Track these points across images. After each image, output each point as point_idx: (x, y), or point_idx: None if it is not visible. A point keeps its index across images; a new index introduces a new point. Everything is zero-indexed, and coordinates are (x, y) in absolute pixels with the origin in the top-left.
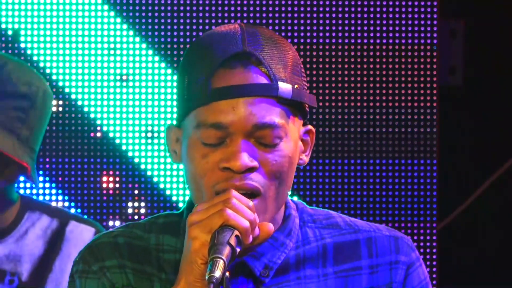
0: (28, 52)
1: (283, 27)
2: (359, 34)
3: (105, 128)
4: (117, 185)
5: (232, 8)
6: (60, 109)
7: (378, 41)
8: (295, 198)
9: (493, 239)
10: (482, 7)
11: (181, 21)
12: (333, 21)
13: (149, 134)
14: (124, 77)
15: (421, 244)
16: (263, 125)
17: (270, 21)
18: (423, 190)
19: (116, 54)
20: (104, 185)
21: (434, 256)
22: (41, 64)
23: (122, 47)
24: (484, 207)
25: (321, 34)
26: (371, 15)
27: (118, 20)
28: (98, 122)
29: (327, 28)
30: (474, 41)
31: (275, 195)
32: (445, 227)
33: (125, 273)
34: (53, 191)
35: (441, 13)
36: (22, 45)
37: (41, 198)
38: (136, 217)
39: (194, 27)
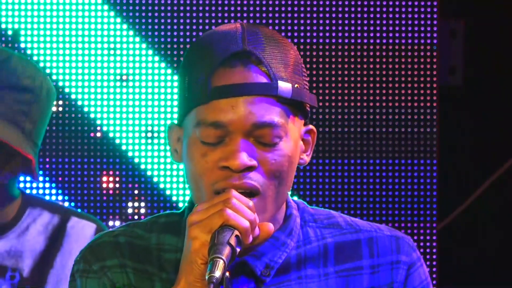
0: (28, 52)
1: (283, 27)
2: (359, 34)
3: (105, 128)
4: (117, 185)
5: (232, 8)
6: (60, 109)
7: (378, 41)
8: (295, 198)
9: (493, 239)
10: (482, 7)
11: (181, 21)
12: (333, 21)
13: (149, 134)
14: (124, 77)
15: (421, 244)
16: (263, 124)
17: (270, 21)
18: (423, 190)
19: (116, 54)
20: (104, 185)
21: (434, 256)
22: (41, 64)
23: (122, 47)
24: (484, 207)
25: (321, 34)
26: (371, 15)
27: (118, 20)
28: (98, 122)
29: (327, 28)
30: (474, 41)
31: (275, 195)
32: (445, 227)
33: (126, 273)
34: (53, 191)
35: (441, 13)
36: (22, 45)
37: None
38: (136, 217)
39: (194, 27)
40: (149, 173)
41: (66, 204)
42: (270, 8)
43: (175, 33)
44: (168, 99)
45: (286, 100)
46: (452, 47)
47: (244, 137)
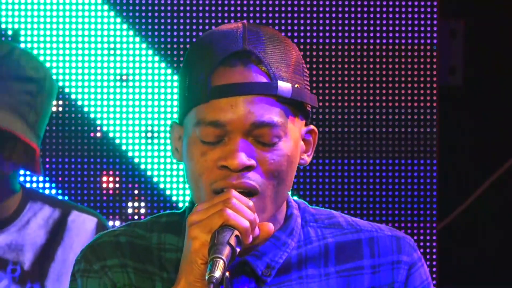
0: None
1: (283, 27)
2: (359, 34)
3: (105, 128)
4: (117, 185)
5: (232, 8)
6: (60, 109)
7: (378, 41)
8: (295, 198)
9: (493, 239)
10: (482, 7)
11: (181, 21)
12: (333, 21)
13: (149, 134)
14: (124, 77)
15: (421, 244)
16: (262, 124)
17: (270, 21)
18: (423, 190)
19: (116, 54)
20: (104, 185)
21: (434, 256)
22: None
23: (122, 47)
24: (484, 207)
25: (321, 34)
26: (371, 15)
27: (118, 20)
28: (98, 122)
29: (327, 28)
30: (474, 41)
31: (273, 195)
32: (445, 227)
33: (127, 273)
34: (53, 191)
35: (441, 13)
36: (22, 45)
37: None
38: (136, 217)
39: (194, 27)
40: (149, 173)
41: None
42: (270, 8)
43: (175, 33)
44: (168, 99)
45: (286, 100)
46: (452, 47)
47: (243, 136)
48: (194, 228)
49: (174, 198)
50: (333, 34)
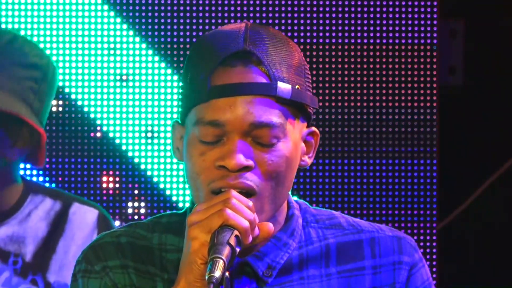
0: None
1: (283, 27)
2: (359, 34)
3: (105, 128)
4: (117, 185)
5: (232, 8)
6: (60, 109)
7: (378, 41)
8: (295, 198)
9: (493, 239)
10: (482, 7)
11: (181, 21)
12: (333, 21)
13: (149, 134)
14: (124, 77)
15: (421, 244)
16: (260, 124)
17: (270, 21)
18: (423, 190)
19: (116, 54)
20: (104, 185)
21: (434, 256)
22: None
23: (122, 47)
24: (484, 207)
25: (321, 34)
26: (371, 15)
27: (118, 20)
28: (98, 122)
29: (327, 28)
30: (474, 41)
31: (272, 196)
32: (445, 227)
33: (128, 273)
34: None
35: (441, 13)
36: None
37: None
38: (136, 217)
39: (194, 27)
40: (149, 173)
41: None
42: (270, 8)
43: (175, 33)
44: (168, 99)
45: (285, 101)
46: (452, 47)
47: (241, 137)
48: (193, 228)
49: (174, 198)
50: (333, 34)
